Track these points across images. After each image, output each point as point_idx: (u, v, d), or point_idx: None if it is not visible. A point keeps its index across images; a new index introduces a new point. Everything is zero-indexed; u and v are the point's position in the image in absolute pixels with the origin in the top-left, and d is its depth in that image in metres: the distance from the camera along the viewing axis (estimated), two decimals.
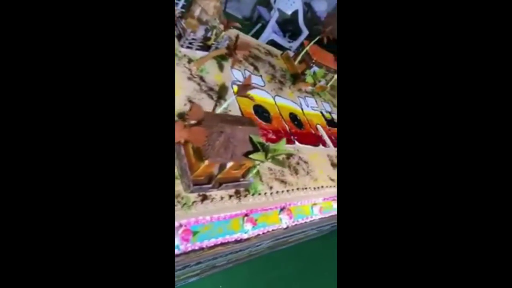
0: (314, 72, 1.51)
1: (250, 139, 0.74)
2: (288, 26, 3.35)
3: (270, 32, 3.12)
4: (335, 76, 1.78)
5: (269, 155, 0.74)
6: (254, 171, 0.84)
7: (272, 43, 2.98)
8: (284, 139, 0.79)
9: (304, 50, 1.62)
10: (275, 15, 3.10)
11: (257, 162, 0.81)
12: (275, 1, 3.19)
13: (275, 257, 1.87)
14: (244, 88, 0.84)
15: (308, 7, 3.57)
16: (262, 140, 0.74)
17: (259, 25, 3.41)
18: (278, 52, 1.73)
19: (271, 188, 0.97)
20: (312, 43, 1.62)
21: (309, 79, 1.49)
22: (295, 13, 3.34)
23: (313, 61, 1.60)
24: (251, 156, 0.72)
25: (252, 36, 1.86)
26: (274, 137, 1.16)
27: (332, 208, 1.26)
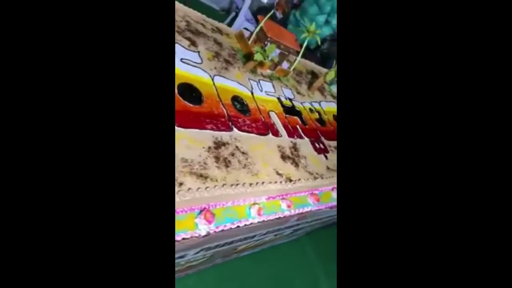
0: (264, 49, 1.30)
1: None
2: (263, 14, 3.14)
3: (243, 20, 2.91)
4: (298, 58, 1.57)
5: None
6: None
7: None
8: None
9: (258, 27, 1.41)
10: (247, 2, 2.89)
11: None
12: None
13: (233, 266, 1.64)
14: None
15: None
16: None
17: (233, 14, 3.20)
18: (231, 30, 1.51)
19: (180, 184, 0.75)
20: (266, 17, 1.40)
21: (258, 56, 1.27)
22: (272, 1, 3.14)
23: (268, 38, 1.38)
24: None
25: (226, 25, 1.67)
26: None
27: (280, 209, 1.04)
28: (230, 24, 2.88)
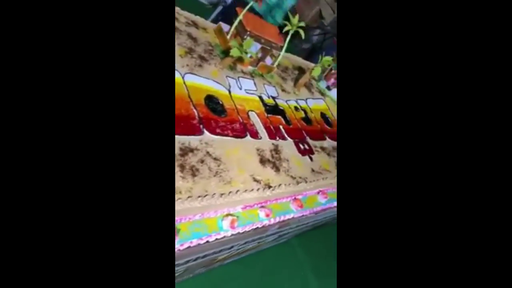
0: (241, 44, 1.20)
1: None
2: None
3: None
4: (282, 53, 1.47)
5: None
6: None
7: None
8: None
9: (237, 20, 1.31)
10: None
11: None
12: None
13: (218, 273, 1.57)
14: None
15: None
16: None
17: (220, 8, 3.08)
18: (208, 24, 1.41)
19: None
20: (245, 10, 1.30)
21: (234, 52, 1.17)
22: None
23: (248, 32, 1.29)
24: None
25: (212, 21, 1.56)
26: None
27: (257, 218, 0.96)
28: (216, 19, 2.76)
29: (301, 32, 1.37)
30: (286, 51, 1.51)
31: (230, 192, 0.85)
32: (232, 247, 1.08)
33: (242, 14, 1.30)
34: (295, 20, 1.37)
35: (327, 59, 1.54)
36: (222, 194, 0.83)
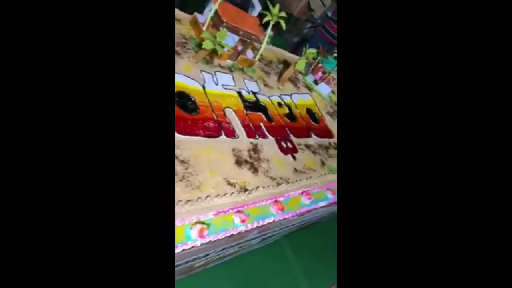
0: (215, 36, 1.11)
1: None
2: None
3: None
4: (263, 45, 1.39)
5: None
6: None
7: None
8: None
9: (213, 10, 1.22)
10: None
11: None
12: None
13: (201, 278, 1.50)
14: None
15: None
16: None
17: None
18: (184, 16, 1.32)
19: None
20: None
21: (207, 44, 1.08)
22: None
23: (224, 23, 1.20)
24: None
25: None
26: None
27: (233, 225, 0.89)
28: None
29: (282, 23, 1.28)
30: (274, 44, 1.43)
31: (198, 198, 0.78)
32: (207, 254, 1.00)
33: (217, 4, 1.21)
34: (275, 10, 1.28)
35: (311, 51, 1.46)
36: (189, 201, 0.75)
